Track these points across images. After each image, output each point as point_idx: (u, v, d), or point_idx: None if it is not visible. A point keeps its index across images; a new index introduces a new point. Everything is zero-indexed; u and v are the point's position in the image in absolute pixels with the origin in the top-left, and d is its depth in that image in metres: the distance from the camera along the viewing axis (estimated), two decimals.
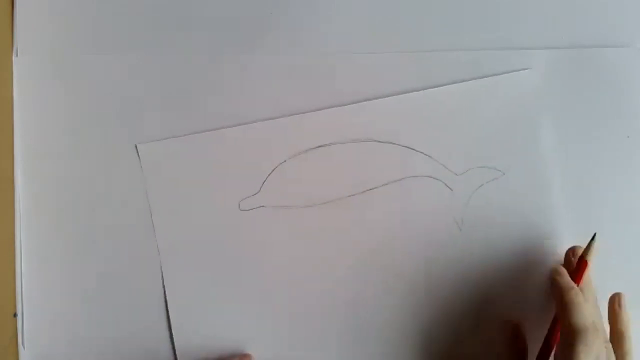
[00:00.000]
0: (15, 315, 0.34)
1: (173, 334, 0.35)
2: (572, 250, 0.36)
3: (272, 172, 0.36)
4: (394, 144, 0.37)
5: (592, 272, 0.35)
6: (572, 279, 0.34)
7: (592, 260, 0.35)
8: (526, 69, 0.38)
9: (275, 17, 0.37)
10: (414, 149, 0.37)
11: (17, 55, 0.35)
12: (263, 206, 0.36)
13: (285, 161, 0.36)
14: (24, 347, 0.34)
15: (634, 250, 0.39)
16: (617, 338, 0.34)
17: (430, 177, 0.37)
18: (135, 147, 0.35)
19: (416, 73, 0.38)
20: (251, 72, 0.36)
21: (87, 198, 0.35)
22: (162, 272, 0.35)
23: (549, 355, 0.34)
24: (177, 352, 0.35)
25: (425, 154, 0.37)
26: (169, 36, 0.36)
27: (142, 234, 0.35)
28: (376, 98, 0.37)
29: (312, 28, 0.37)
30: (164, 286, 0.35)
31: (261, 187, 0.36)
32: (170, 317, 0.35)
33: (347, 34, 0.37)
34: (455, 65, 0.38)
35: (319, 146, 0.36)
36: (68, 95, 0.35)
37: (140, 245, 0.35)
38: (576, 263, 0.35)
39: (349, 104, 0.37)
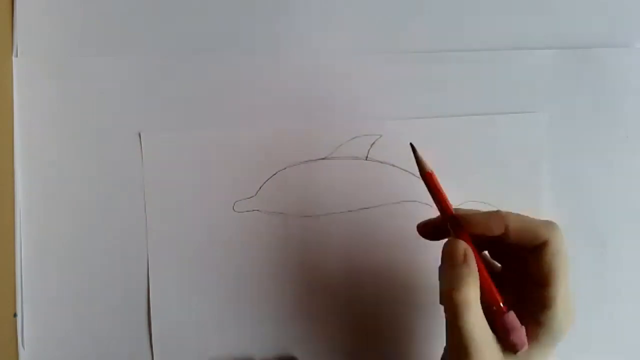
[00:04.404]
0: (15, 315, 0.34)
1: (152, 332, 0.35)
2: (425, 223, 0.32)
3: (270, 177, 0.36)
4: (396, 167, 0.37)
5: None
6: (445, 219, 0.30)
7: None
8: (534, 112, 0.38)
9: (275, 17, 0.37)
10: (414, 175, 0.37)
11: (17, 55, 0.35)
12: (258, 210, 0.36)
13: (285, 168, 0.36)
14: (24, 347, 0.34)
15: (634, 250, 0.39)
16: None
17: (427, 204, 0.37)
18: (139, 135, 0.35)
19: (416, 73, 0.38)
20: (251, 72, 0.36)
21: (87, 198, 0.35)
22: (148, 267, 0.35)
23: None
24: (154, 352, 0.35)
25: None
26: (169, 37, 0.36)
27: (142, 235, 0.35)
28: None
29: (312, 28, 0.37)
30: (148, 281, 0.35)
31: (258, 191, 0.36)
32: (151, 314, 0.35)
33: (347, 34, 0.37)
34: (455, 65, 0.38)
35: (321, 158, 0.36)
36: (68, 95, 0.35)
37: (141, 246, 0.35)
38: (429, 186, 0.31)
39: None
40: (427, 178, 0.31)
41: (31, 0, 0.35)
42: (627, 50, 0.40)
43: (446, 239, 0.30)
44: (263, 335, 0.36)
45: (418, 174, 0.36)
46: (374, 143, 0.37)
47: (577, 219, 0.39)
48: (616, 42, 0.40)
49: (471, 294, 0.28)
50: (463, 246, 0.29)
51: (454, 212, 0.30)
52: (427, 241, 0.34)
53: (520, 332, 0.28)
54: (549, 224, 0.29)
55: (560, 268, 0.28)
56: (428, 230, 0.32)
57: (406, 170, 0.37)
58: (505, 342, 0.28)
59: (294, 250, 0.36)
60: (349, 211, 0.37)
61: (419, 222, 0.33)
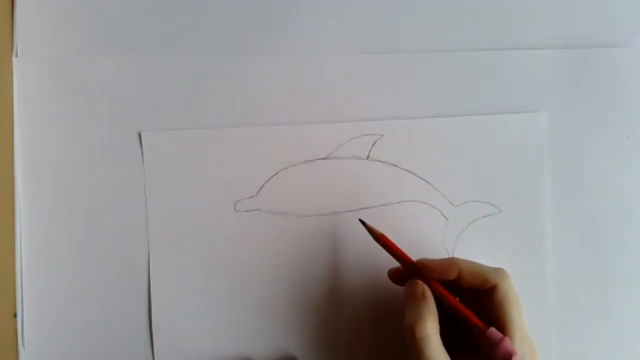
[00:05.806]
0: (15, 315, 0.34)
1: (153, 332, 0.35)
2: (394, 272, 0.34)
3: (271, 177, 0.36)
4: (397, 166, 0.37)
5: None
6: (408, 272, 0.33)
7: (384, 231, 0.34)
8: (534, 112, 0.38)
9: (275, 17, 0.37)
10: (415, 174, 0.37)
11: (17, 55, 0.35)
12: (259, 210, 0.36)
13: (286, 168, 0.36)
14: (24, 347, 0.34)
15: (634, 250, 0.39)
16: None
17: (428, 204, 0.37)
18: (139, 135, 0.35)
19: (416, 73, 0.38)
20: (251, 72, 0.36)
21: (87, 198, 0.35)
22: (149, 266, 0.35)
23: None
24: (155, 352, 0.35)
25: (426, 181, 0.37)
26: (168, 37, 0.36)
27: (142, 235, 0.35)
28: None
29: (312, 28, 0.37)
30: (149, 281, 0.35)
31: (259, 190, 0.36)
32: (152, 314, 0.35)
33: (347, 34, 0.37)
34: (455, 65, 0.38)
35: (322, 158, 0.36)
36: (68, 95, 0.35)
37: (142, 246, 0.35)
38: (385, 246, 0.33)
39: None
40: (382, 240, 0.33)
41: (31, 0, 0.35)
42: (627, 50, 0.40)
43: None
44: (263, 336, 0.36)
45: (420, 174, 0.37)
46: (375, 143, 0.37)
47: (577, 219, 0.39)
48: (616, 42, 0.40)
49: (430, 328, 0.30)
50: (421, 286, 0.32)
51: (414, 261, 0.33)
52: (426, 241, 0.34)
53: (505, 342, 0.29)
54: (498, 270, 0.32)
55: (513, 310, 0.31)
56: (397, 277, 0.34)
57: (407, 170, 0.37)
58: (495, 357, 0.29)
59: (295, 250, 0.36)
60: (350, 211, 0.37)
61: (390, 268, 0.35)
